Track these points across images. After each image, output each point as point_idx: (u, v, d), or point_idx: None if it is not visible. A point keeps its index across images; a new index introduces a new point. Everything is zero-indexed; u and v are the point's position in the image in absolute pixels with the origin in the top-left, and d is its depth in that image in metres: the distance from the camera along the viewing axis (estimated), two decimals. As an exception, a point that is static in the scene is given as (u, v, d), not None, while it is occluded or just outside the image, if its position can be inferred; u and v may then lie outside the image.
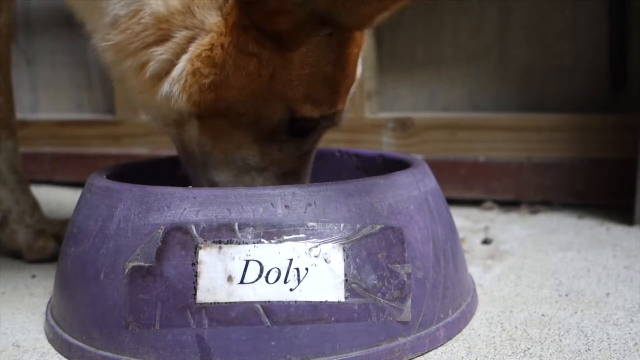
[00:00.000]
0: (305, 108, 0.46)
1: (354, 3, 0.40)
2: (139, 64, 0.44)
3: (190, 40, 0.44)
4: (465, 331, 0.45)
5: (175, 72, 0.44)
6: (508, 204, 0.86)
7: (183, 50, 0.44)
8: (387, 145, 0.92)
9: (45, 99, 1.28)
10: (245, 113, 0.46)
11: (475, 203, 0.88)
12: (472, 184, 0.88)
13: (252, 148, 0.48)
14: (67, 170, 1.13)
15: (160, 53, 0.43)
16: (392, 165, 0.55)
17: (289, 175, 0.50)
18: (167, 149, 1.04)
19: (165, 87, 0.44)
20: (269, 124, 0.47)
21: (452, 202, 0.81)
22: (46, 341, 0.45)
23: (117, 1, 0.44)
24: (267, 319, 0.37)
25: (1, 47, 0.65)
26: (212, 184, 0.50)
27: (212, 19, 0.43)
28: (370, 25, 0.43)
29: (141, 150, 1.07)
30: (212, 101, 0.44)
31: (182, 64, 0.44)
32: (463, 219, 0.81)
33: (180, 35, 0.43)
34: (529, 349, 0.42)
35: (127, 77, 0.46)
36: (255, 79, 0.44)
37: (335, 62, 0.46)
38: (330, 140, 0.94)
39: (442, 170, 0.87)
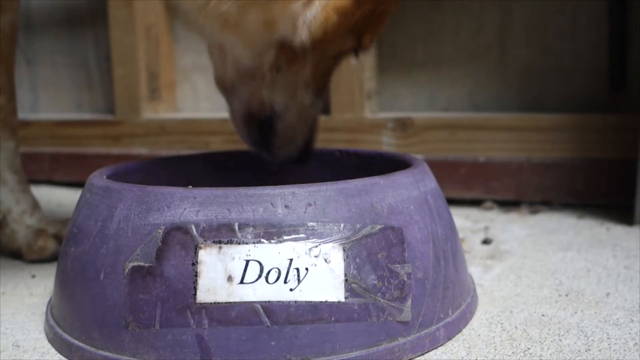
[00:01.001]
0: (366, 37, 0.54)
1: None
2: (268, 17, 0.49)
3: None
4: (465, 331, 0.45)
5: (304, 19, 0.49)
6: (508, 204, 0.86)
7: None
8: (387, 145, 0.92)
9: (45, 99, 1.28)
10: (329, 44, 0.52)
11: (475, 203, 0.88)
12: (472, 184, 0.88)
13: (310, 68, 0.54)
14: (67, 170, 1.14)
15: (295, 8, 0.48)
16: (392, 165, 0.55)
17: (321, 89, 0.57)
18: (167, 149, 1.04)
19: (287, 29, 0.49)
20: (337, 51, 0.54)
21: (452, 202, 0.81)
22: (46, 341, 0.45)
23: None
24: (267, 319, 0.37)
25: (5, 46, 0.65)
26: (264, 103, 0.56)
27: None
28: None
29: (141, 150, 1.07)
30: (321, 37, 0.50)
31: (315, 13, 0.49)
32: (463, 219, 0.81)
33: None
34: (529, 349, 0.42)
35: (244, 24, 0.50)
36: (352, 18, 0.50)
37: (389, 2, 0.53)
38: (330, 140, 0.95)
39: (442, 170, 0.87)
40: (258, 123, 0.57)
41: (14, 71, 0.68)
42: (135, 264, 0.39)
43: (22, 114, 0.72)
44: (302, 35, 0.50)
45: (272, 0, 0.49)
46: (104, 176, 0.47)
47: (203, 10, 0.51)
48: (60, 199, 1.02)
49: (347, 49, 0.55)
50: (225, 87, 0.58)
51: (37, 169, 1.14)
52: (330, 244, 0.38)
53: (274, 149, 0.58)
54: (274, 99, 0.56)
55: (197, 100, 1.13)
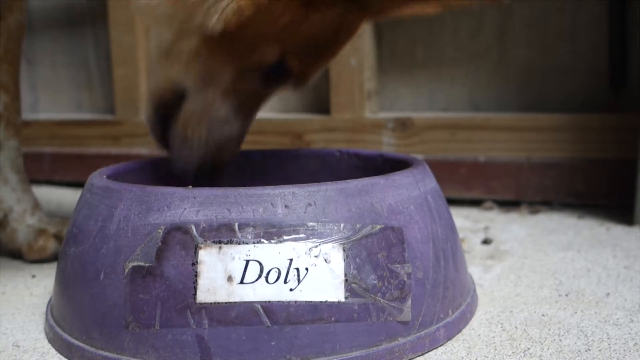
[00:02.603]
0: (292, 60, 0.52)
1: None
2: None
3: None
4: (465, 331, 0.45)
5: (222, 4, 0.48)
6: (508, 204, 0.86)
7: None
8: (387, 145, 0.92)
9: (45, 99, 1.28)
10: (249, 44, 0.51)
11: (475, 203, 0.88)
12: (472, 184, 0.88)
13: (230, 72, 0.53)
14: (67, 170, 1.14)
15: None
16: (392, 165, 0.55)
17: (242, 109, 0.55)
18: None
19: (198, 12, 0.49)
20: (257, 61, 0.52)
21: (452, 202, 0.81)
22: (46, 341, 0.45)
23: None
24: (267, 319, 0.37)
25: (11, 46, 0.65)
26: (174, 82, 0.54)
27: None
28: (391, 14, 0.52)
29: (141, 150, 1.07)
30: (234, 31, 0.49)
31: (227, 1, 0.48)
32: (463, 219, 0.81)
33: None
34: (529, 349, 0.42)
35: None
36: (273, 22, 0.49)
37: (336, 37, 0.52)
38: (330, 140, 0.95)
39: (442, 170, 0.87)
40: (162, 105, 0.55)
41: (19, 71, 0.68)
42: (135, 264, 0.39)
43: (22, 114, 0.72)
44: (214, 19, 0.49)
45: None
46: (104, 176, 0.47)
47: None
48: (60, 199, 1.02)
49: (270, 64, 0.53)
50: (151, 65, 0.57)
51: (37, 169, 1.14)
52: (330, 244, 0.38)
53: (171, 145, 0.55)
54: (184, 81, 0.54)
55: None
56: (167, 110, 0.55)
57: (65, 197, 1.03)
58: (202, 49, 0.52)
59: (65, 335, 0.42)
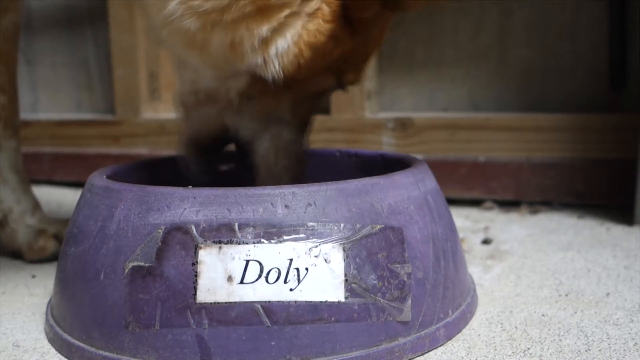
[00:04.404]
0: (348, 77, 0.53)
1: None
2: (234, 38, 0.45)
3: (291, 18, 0.45)
4: (465, 331, 0.45)
5: (275, 50, 0.46)
6: (508, 204, 0.86)
7: (283, 29, 0.45)
8: (387, 145, 0.92)
9: (45, 99, 1.28)
10: (305, 80, 0.50)
11: (475, 203, 0.88)
12: (472, 184, 0.88)
13: (289, 105, 0.52)
14: (67, 170, 1.14)
15: (262, 32, 0.44)
16: (392, 165, 0.55)
17: (303, 127, 0.55)
18: (167, 149, 1.04)
19: (257, 58, 0.46)
20: (317, 89, 0.52)
21: (452, 202, 0.81)
22: (46, 341, 0.45)
23: None
24: (267, 319, 0.37)
25: (7, 47, 0.65)
26: (237, 129, 0.54)
27: (314, 3, 0.45)
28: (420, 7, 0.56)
29: (141, 150, 1.07)
30: (294, 74, 0.48)
31: (286, 45, 0.46)
32: (463, 219, 0.81)
33: (282, 15, 0.44)
34: (529, 349, 0.42)
35: (210, 45, 0.46)
36: (329, 56, 0.48)
37: (376, 39, 0.52)
38: (330, 140, 0.95)
39: (442, 170, 0.87)
40: (210, 147, 0.55)
41: (16, 71, 0.68)
42: (135, 264, 0.39)
43: (22, 114, 0.72)
44: (274, 68, 0.47)
45: (238, 21, 0.44)
46: (104, 176, 0.47)
47: (168, 23, 0.46)
48: (60, 199, 1.02)
49: (328, 88, 0.54)
50: (188, 104, 0.55)
51: (37, 169, 1.14)
52: (330, 244, 0.38)
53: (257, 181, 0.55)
54: (242, 126, 0.53)
55: (197, 100, 1.13)
56: (210, 150, 0.55)
57: (65, 197, 1.03)
58: (254, 90, 0.50)
59: (65, 335, 0.42)
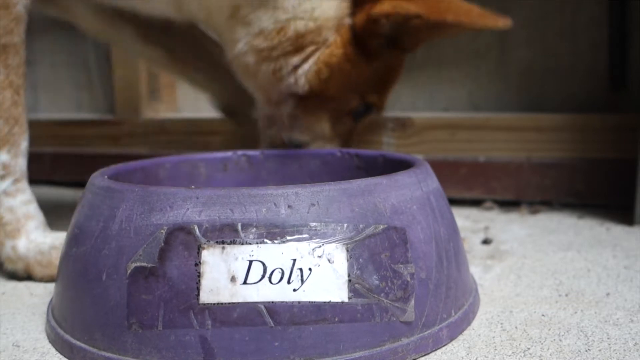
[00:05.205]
0: (371, 97, 0.69)
1: (416, 34, 0.64)
2: (276, 67, 0.63)
3: (315, 50, 0.63)
4: (465, 331, 0.45)
5: (301, 70, 0.63)
6: (508, 204, 0.87)
7: (308, 57, 0.63)
8: (387, 145, 0.92)
9: (45, 99, 1.28)
10: (334, 98, 0.66)
11: (475, 203, 0.88)
12: (472, 184, 0.88)
13: (328, 122, 0.69)
14: (67, 170, 1.13)
15: (296, 61, 0.63)
16: (394, 165, 0.55)
17: (345, 145, 0.72)
18: (167, 149, 1.04)
19: (291, 79, 0.64)
20: (345, 107, 0.69)
21: (452, 202, 0.81)
22: (46, 341, 0.45)
23: (263, 17, 0.60)
24: (270, 320, 0.37)
25: (19, 31, 0.61)
26: (290, 142, 0.71)
27: (332, 37, 0.63)
28: (418, 48, 0.68)
29: (141, 150, 1.07)
30: (319, 89, 0.64)
31: (308, 66, 0.63)
32: (463, 218, 0.81)
33: (309, 49, 0.63)
34: (529, 349, 0.42)
35: (259, 73, 0.64)
36: (348, 77, 0.65)
37: (392, 68, 0.69)
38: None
39: (442, 170, 0.88)
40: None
41: (24, 60, 0.66)
42: (138, 264, 0.39)
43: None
44: (300, 82, 0.63)
45: (280, 56, 0.62)
46: (105, 176, 0.47)
47: (236, 58, 0.64)
48: (60, 199, 1.02)
49: (357, 108, 0.69)
50: (263, 127, 0.72)
51: (37, 169, 1.14)
52: (334, 244, 0.38)
53: None
54: (295, 141, 0.70)
55: (197, 100, 1.13)
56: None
57: (65, 197, 1.03)
58: (299, 110, 0.67)
59: (67, 336, 0.42)
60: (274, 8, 0.60)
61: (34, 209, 0.60)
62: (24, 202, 0.59)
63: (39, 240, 0.59)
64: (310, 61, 0.62)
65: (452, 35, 0.66)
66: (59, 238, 0.59)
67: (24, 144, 0.59)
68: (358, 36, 0.63)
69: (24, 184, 0.60)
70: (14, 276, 0.60)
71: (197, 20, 0.67)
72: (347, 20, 0.63)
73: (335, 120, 0.69)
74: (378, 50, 0.65)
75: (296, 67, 0.63)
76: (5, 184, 0.58)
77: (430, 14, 0.59)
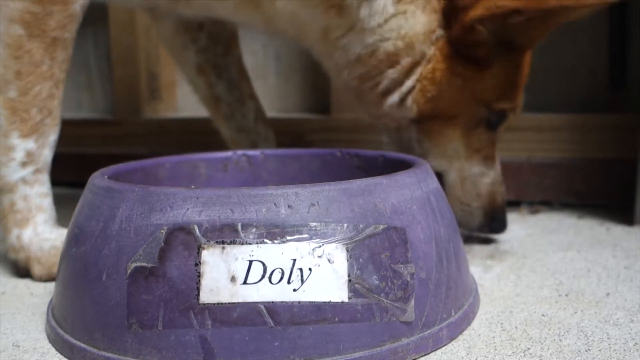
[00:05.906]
0: (499, 104, 0.63)
1: (526, 31, 0.58)
2: (375, 83, 0.62)
3: (413, 65, 0.60)
4: (465, 331, 0.45)
5: (405, 87, 0.61)
6: (508, 204, 0.86)
7: (408, 71, 0.61)
8: (387, 145, 0.92)
9: (45, 99, 1.27)
10: (454, 116, 0.63)
11: (475, 203, 0.88)
12: (472, 184, 0.88)
13: (459, 140, 0.64)
14: (67, 170, 1.13)
15: (392, 73, 0.61)
16: (394, 165, 0.55)
17: (488, 159, 0.66)
18: (167, 149, 1.04)
19: (394, 97, 0.62)
20: (473, 121, 0.64)
21: (452, 202, 0.81)
22: (46, 341, 0.45)
23: (354, 42, 0.60)
24: (270, 320, 0.37)
25: (72, 28, 0.60)
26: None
27: (430, 50, 0.60)
28: (537, 42, 0.63)
29: (141, 150, 1.07)
30: (431, 109, 0.62)
31: (411, 83, 0.61)
32: (463, 219, 0.81)
33: (405, 62, 0.60)
34: (529, 349, 0.42)
35: (364, 95, 0.64)
36: (460, 91, 0.61)
37: (515, 69, 0.63)
38: (330, 140, 0.95)
39: (442, 170, 0.87)
40: None
41: (70, 57, 0.64)
42: (138, 264, 0.39)
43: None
44: (407, 103, 0.61)
45: (378, 75, 0.61)
46: (105, 176, 0.47)
47: (344, 83, 0.65)
48: (60, 199, 1.02)
49: (489, 118, 0.64)
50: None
51: (36, 169, 1.14)
52: (334, 244, 0.38)
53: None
54: (432, 165, 0.64)
55: (197, 100, 1.13)
56: None
57: (65, 197, 1.03)
58: (420, 135, 0.64)
59: (67, 336, 0.42)
60: (361, 30, 0.59)
61: (47, 203, 0.60)
62: (39, 194, 0.59)
63: (45, 235, 0.59)
64: (413, 78, 0.60)
65: (564, 20, 0.59)
66: (63, 235, 0.59)
67: (52, 137, 0.59)
68: (458, 48, 0.60)
69: (45, 176, 0.60)
70: (14, 267, 0.60)
71: (287, 36, 0.65)
72: (440, 33, 0.60)
73: (466, 138, 0.64)
74: (489, 56, 0.60)
75: (398, 83, 0.61)
76: (26, 171, 0.58)
77: (529, 5, 0.54)
